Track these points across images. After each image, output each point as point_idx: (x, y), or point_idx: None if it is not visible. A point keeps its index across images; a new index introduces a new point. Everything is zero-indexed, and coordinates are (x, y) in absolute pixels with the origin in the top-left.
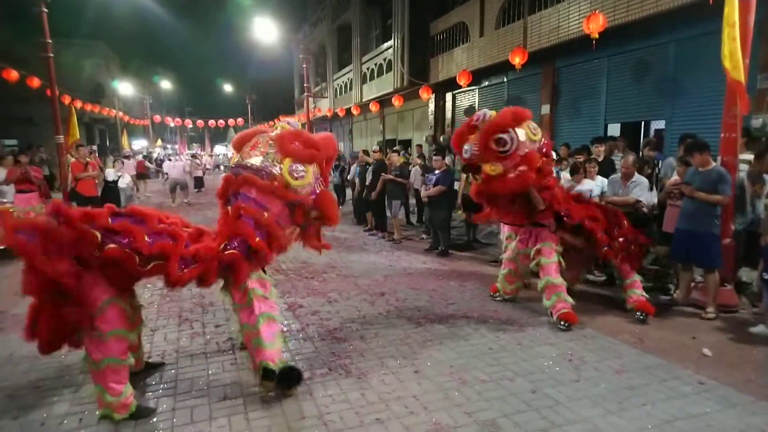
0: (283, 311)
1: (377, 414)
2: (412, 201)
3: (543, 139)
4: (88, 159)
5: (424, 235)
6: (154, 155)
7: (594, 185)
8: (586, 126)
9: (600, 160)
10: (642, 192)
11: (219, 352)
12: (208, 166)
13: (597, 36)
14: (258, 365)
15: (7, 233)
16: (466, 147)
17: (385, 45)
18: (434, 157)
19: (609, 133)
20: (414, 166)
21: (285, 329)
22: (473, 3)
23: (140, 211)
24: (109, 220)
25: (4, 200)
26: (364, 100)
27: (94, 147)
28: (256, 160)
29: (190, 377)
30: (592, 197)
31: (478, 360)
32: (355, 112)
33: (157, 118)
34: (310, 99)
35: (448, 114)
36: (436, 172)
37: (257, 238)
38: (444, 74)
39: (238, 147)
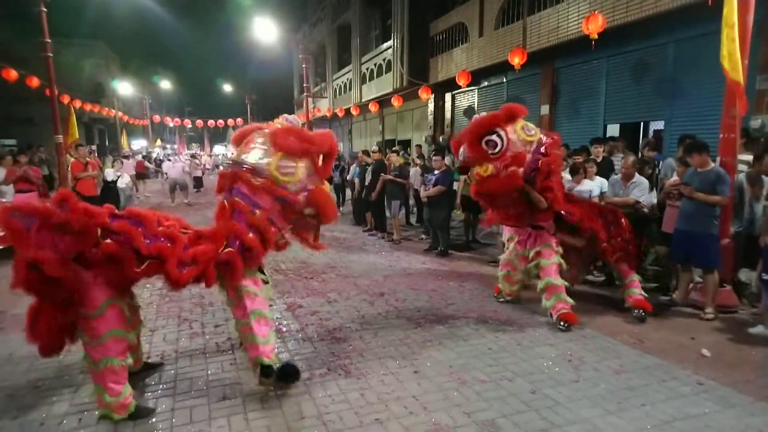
0: (282, 311)
1: (377, 414)
2: (412, 201)
3: (543, 138)
4: (88, 159)
5: (423, 236)
6: (154, 155)
7: (593, 185)
8: (585, 126)
9: (599, 160)
10: (642, 193)
11: (218, 352)
12: (207, 166)
13: (596, 36)
14: (253, 361)
15: (2, 216)
16: (461, 149)
17: (385, 45)
18: (434, 158)
19: (608, 134)
20: (415, 167)
21: (284, 329)
22: (473, 3)
23: (138, 213)
24: (108, 219)
25: (4, 200)
26: (363, 101)
27: (94, 147)
28: (251, 156)
29: (190, 377)
30: (592, 197)
31: (477, 360)
32: (354, 112)
33: (157, 118)
34: (310, 99)
35: (448, 114)
36: (436, 172)
37: (250, 234)
38: (443, 74)
39: (237, 143)
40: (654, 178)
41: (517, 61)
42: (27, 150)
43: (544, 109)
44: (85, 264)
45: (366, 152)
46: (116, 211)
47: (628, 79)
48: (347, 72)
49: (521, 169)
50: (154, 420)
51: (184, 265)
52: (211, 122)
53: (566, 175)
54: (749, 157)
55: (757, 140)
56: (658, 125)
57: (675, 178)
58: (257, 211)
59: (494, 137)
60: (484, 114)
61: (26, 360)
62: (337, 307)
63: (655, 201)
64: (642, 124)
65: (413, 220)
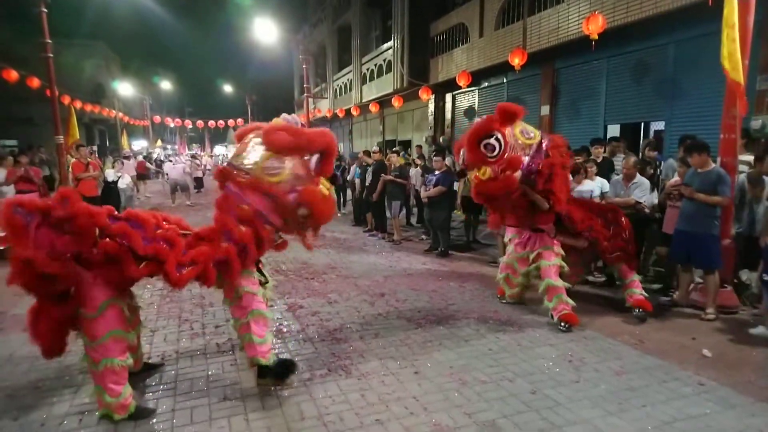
0: (283, 312)
1: (377, 415)
2: (412, 202)
3: (544, 141)
4: (89, 159)
5: (423, 236)
6: (154, 156)
7: (594, 186)
8: (585, 127)
9: (599, 161)
10: (643, 193)
11: (219, 353)
12: (208, 167)
13: (596, 37)
14: (250, 361)
15: (4, 209)
16: (461, 152)
17: (385, 46)
18: (434, 158)
19: (608, 134)
20: (416, 167)
21: (285, 330)
22: (473, 4)
23: (137, 215)
24: (107, 220)
25: (3, 201)
26: (363, 101)
27: (95, 147)
28: (244, 156)
29: (190, 378)
30: (593, 197)
31: (478, 361)
32: (354, 112)
33: (157, 118)
34: (310, 100)
35: (448, 115)
36: (436, 172)
37: (241, 227)
38: (444, 75)
39: (238, 140)
40: (656, 179)
41: (517, 61)
42: (28, 150)
43: (545, 110)
44: (84, 264)
45: (367, 153)
46: (116, 212)
47: (628, 80)
48: (348, 72)
49: (518, 173)
50: (154, 421)
51: (183, 266)
52: (211, 123)
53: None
54: (750, 158)
55: (758, 141)
56: (658, 126)
57: (676, 178)
58: (245, 206)
59: (492, 141)
60: (484, 117)
61: (27, 360)
62: (338, 308)
63: (656, 201)
64: (642, 124)
65: (414, 220)
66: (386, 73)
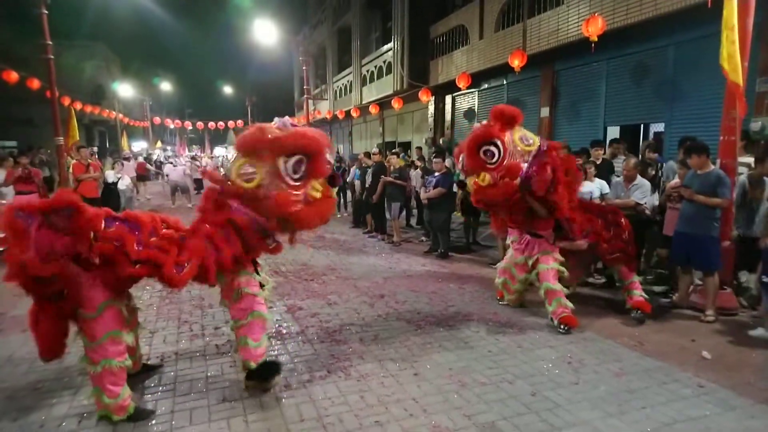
0: (282, 313)
1: (376, 416)
2: (412, 203)
3: (544, 146)
4: (90, 160)
5: (423, 238)
6: (154, 157)
7: (593, 187)
8: (585, 129)
9: (598, 163)
10: (644, 195)
11: (218, 354)
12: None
13: (596, 39)
14: (243, 364)
15: (6, 213)
16: (461, 158)
17: (385, 47)
18: (434, 160)
19: (608, 136)
20: (416, 169)
21: (284, 331)
22: (473, 6)
23: (136, 216)
24: (103, 224)
25: (3, 201)
26: (363, 103)
27: (95, 149)
28: (231, 165)
29: (189, 379)
30: (592, 199)
31: (477, 363)
32: (354, 114)
33: (157, 119)
34: (310, 101)
35: (448, 116)
36: (436, 174)
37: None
38: (443, 77)
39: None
40: (656, 180)
41: (517, 63)
42: (28, 151)
43: (544, 112)
44: (84, 265)
45: (366, 154)
46: (114, 213)
47: (628, 82)
48: (347, 74)
49: (517, 180)
50: (153, 422)
51: (180, 266)
52: (211, 124)
53: None
54: (749, 160)
55: (757, 143)
56: (658, 127)
57: (676, 180)
58: (243, 215)
59: (491, 147)
60: (484, 123)
61: (26, 362)
62: (337, 309)
63: (657, 203)
64: (642, 126)
65: (413, 222)
66: (386, 74)
